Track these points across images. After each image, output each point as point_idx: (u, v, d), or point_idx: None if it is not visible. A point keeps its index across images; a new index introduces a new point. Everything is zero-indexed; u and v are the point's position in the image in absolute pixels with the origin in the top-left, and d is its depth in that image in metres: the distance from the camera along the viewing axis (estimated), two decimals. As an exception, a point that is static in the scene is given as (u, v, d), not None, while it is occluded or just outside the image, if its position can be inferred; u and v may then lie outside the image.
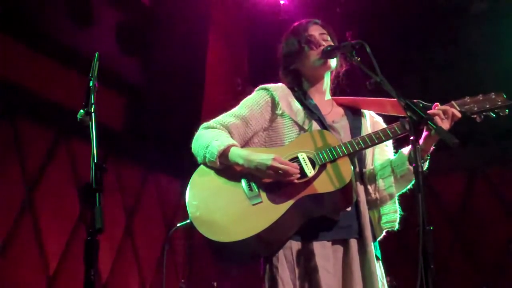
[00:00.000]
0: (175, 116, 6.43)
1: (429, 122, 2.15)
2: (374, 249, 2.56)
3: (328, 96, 2.84)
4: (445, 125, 2.42)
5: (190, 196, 2.62)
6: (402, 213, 2.67)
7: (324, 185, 2.47)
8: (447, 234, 6.68)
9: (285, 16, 6.14)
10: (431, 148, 2.49)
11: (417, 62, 6.30)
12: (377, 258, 2.61)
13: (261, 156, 2.50)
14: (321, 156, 2.51)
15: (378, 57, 2.32)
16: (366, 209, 2.57)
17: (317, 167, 2.50)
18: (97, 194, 2.16)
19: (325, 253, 2.51)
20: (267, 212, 2.47)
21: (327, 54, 2.68)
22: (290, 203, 2.46)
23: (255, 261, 2.61)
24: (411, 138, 2.14)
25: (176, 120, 6.42)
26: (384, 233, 2.67)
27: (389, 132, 2.53)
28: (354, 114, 2.79)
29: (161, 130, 6.42)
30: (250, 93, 2.83)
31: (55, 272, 5.62)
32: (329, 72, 2.81)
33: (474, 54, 5.93)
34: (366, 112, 2.82)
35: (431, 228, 1.99)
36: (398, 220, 2.65)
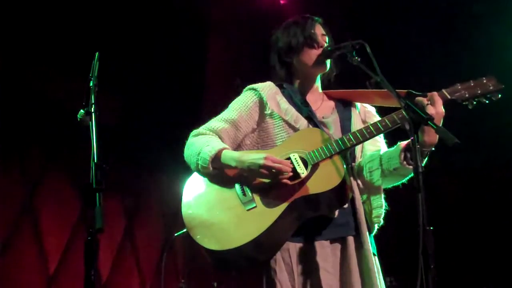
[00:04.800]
0: (176, 116, 6.42)
1: (429, 122, 2.14)
2: (371, 244, 2.55)
3: (319, 89, 2.81)
4: (431, 111, 2.36)
5: (184, 205, 2.61)
6: (387, 208, 2.65)
7: (317, 185, 2.45)
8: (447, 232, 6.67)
9: (285, 15, 6.13)
10: (435, 141, 2.40)
11: (417, 61, 6.29)
12: (373, 254, 2.59)
13: (253, 156, 2.48)
14: (313, 156, 2.49)
15: (377, 56, 2.32)
16: (361, 205, 2.56)
17: (309, 167, 2.48)
18: (97, 194, 2.16)
19: (324, 253, 2.50)
20: (261, 217, 2.45)
21: (327, 54, 2.66)
22: (284, 206, 2.44)
23: (255, 267, 2.58)
24: (411, 138, 2.14)
25: (176, 120, 6.41)
26: (376, 227, 2.66)
27: (380, 126, 2.49)
28: (345, 107, 2.77)
29: (161, 130, 6.42)
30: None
31: (55, 272, 5.61)
32: None
33: (475, 53, 5.93)
34: (357, 103, 2.80)
35: (431, 228, 1.99)
36: (383, 216, 2.63)
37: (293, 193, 2.45)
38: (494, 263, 6.52)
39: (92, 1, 5.59)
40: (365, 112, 2.78)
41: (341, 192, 2.48)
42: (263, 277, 2.55)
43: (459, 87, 2.45)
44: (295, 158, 2.50)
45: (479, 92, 2.43)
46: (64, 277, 5.61)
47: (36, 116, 5.58)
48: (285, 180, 2.44)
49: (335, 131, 2.65)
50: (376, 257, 2.62)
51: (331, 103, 2.78)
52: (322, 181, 2.45)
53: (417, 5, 6.10)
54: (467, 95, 2.43)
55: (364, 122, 2.74)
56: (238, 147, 2.72)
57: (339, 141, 2.50)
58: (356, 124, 2.69)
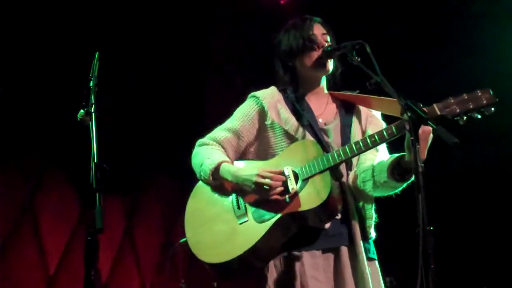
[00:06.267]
0: (176, 117, 6.42)
1: (429, 122, 2.13)
2: (368, 251, 2.57)
3: (324, 90, 2.80)
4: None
5: (187, 214, 2.74)
6: (377, 220, 2.67)
7: (303, 202, 2.47)
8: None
9: (285, 15, 6.14)
10: (423, 158, 2.33)
11: (416, 62, 6.29)
12: (372, 259, 2.60)
13: (246, 172, 2.54)
14: (304, 170, 2.50)
15: (377, 57, 2.31)
16: (355, 215, 2.55)
17: (299, 182, 2.50)
18: (97, 194, 2.17)
19: (315, 262, 2.51)
20: (251, 232, 2.52)
21: (327, 54, 2.65)
22: (272, 221, 2.49)
23: (251, 274, 2.66)
24: (411, 138, 2.13)
25: (177, 120, 6.41)
26: (374, 235, 2.66)
27: (368, 141, 2.45)
28: (347, 111, 2.75)
29: (162, 130, 6.42)
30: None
31: (55, 272, 5.61)
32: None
33: (474, 53, 5.92)
34: (361, 107, 2.76)
35: (431, 228, 1.99)
36: (373, 227, 2.65)
37: (282, 209, 2.49)
38: (493, 264, 6.52)
39: (92, 1, 5.59)
40: (367, 117, 2.74)
41: (327, 209, 2.47)
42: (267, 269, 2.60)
43: (452, 101, 2.31)
44: (288, 173, 2.53)
45: (471, 106, 2.28)
46: (64, 277, 5.61)
47: (36, 116, 5.58)
48: (275, 196, 2.48)
49: (334, 138, 2.65)
50: (376, 261, 2.63)
51: (335, 107, 2.77)
52: (308, 198, 2.46)
53: (415, 5, 6.10)
54: (458, 110, 2.29)
55: (365, 128, 2.70)
56: (243, 154, 2.77)
57: (329, 157, 2.48)
58: (355, 132, 2.67)
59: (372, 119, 2.73)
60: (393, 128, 2.40)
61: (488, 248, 6.56)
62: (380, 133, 2.44)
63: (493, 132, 5.83)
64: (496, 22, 5.82)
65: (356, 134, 2.66)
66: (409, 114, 2.14)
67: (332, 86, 2.82)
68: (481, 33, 5.77)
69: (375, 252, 2.64)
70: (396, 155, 2.50)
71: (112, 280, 6.15)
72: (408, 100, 2.19)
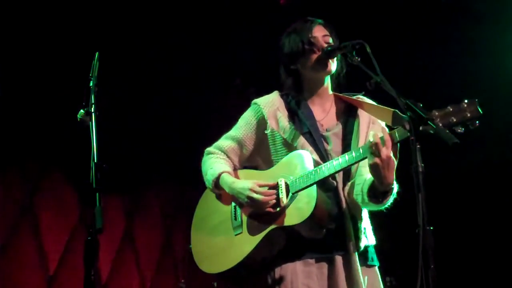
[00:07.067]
0: (176, 117, 6.42)
1: (429, 122, 2.12)
2: (367, 258, 2.56)
3: (329, 91, 2.78)
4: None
5: (194, 222, 2.88)
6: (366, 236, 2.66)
7: (291, 216, 2.48)
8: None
9: (285, 15, 6.13)
10: (392, 180, 2.35)
11: (416, 62, 6.29)
12: (371, 266, 2.59)
13: (240, 185, 2.60)
14: (295, 183, 2.51)
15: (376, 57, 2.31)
16: (350, 225, 2.54)
17: (289, 196, 2.51)
18: (97, 194, 2.17)
19: (308, 271, 2.51)
20: (244, 244, 2.58)
21: (328, 54, 2.63)
22: (262, 235, 2.54)
23: (246, 282, 2.72)
24: (411, 138, 2.12)
25: (177, 121, 6.41)
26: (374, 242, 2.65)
27: (353, 156, 2.42)
28: (350, 116, 2.71)
29: (162, 131, 6.42)
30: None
31: (55, 272, 5.61)
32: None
33: (474, 53, 5.92)
34: (364, 112, 2.70)
35: (431, 228, 1.99)
36: (371, 234, 2.64)
37: (272, 222, 2.52)
38: (493, 264, 6.52)
39: (92, 1, 5.59)
40: (369, 123, 2.69)
41: (315, 221, 2.46)
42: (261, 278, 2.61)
43: (436, 114, 2.20)
44: (281, 185, 2.55)
45: (454, 121, 2.16)
46: (64, 277, 5.61)
47: (35, 115, 5.58)
48: (268, 209, 2.52)
49: (334, 146, 2.63)
50: (376, 268, 2.62)
51: (339, 111, 2.74)
52: (295, 213, 2.47)
53: (415, 5, 6.10)
54: (439, 125, 2.17)
55: (367, 135, 2.63)
56: (250, 160, 2.84)
57: (317, 171, 2.47)
58: (357, 139, 2.63)
59: (373, 125, 2.68)
60: (371, 139, 2.34)
61: (488, 248, 6.56)
62: (363, 147, 2.41)
63: (494, 132, 5.83)
64: (496, 22, 5.82)
65: (357, 142, 2.62)
66: (409, 114, 2.14)
67: (337, 87, 2.80)
68: (481, 33, 5.76)
69: (375, 258, 2.63)
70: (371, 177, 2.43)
71: (112, 280, 6.15)
72: (408, 99, 2.18)
